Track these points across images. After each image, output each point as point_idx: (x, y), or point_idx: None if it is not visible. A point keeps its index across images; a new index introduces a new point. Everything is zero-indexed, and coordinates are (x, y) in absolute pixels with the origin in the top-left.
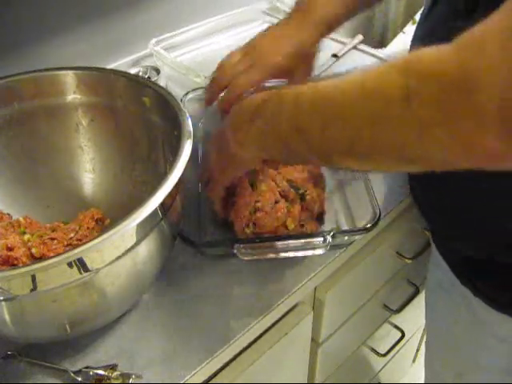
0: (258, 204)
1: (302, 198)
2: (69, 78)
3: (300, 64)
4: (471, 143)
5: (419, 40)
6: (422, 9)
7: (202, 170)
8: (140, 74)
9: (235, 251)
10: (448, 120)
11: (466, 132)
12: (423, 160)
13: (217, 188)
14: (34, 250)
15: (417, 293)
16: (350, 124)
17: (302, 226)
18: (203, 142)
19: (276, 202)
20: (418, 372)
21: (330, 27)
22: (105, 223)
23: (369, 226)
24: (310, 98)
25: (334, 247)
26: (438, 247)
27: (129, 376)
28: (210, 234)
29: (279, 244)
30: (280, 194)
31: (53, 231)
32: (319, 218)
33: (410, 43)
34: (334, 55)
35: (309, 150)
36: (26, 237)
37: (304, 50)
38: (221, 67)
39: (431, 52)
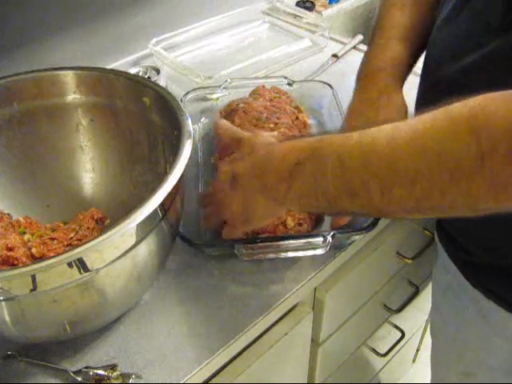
0: None
1: None
2: (69, 78)
3: None
4: None
5: (439, 50)
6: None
7: (206, 201)
8: (140, 73)
9: (235, 251)
10: None
11: None
12: (494, 210)
13: (235, 232)
14: (34, 250)
15: (417, 293)
16: (418, 187)
17: (301, 224)
18: (202, 141)
19: None
20: (418, 372)
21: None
22: (105, 223)
23: (369, 226)
24: (359, 158)
25: (334, 247)
26: (447, 250)
27: (129, 376)
28: (210, 234)
29: (279, 244)
30: None
31: (53, 231)
32: (318, 216)
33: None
34: (334, 55)
35: (363, 208)
36: (26, 237)
37: None
38: None
39: (497, 103)
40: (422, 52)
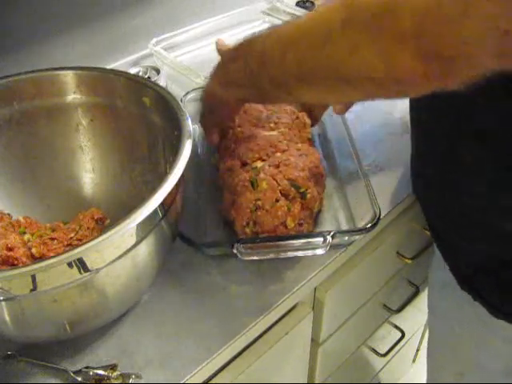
0: (259, 202)
1: (303, 196)
2: (69, 78)
3: None
4: (393, 62)
5: None
6: None
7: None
8: (140, 73)
9: (235, 251)
10: (374, 41)
11: (388, 51)
12: (358, 82)
13: (207, 122)
14: (34, 250)
15: (417, 293)
16: (298, 47)
17: (301, 224)
18: (202, 141)
19: (276, 201)
20: (418, 372)
21: None
22: (105, 223)
23: (369, 226)
24: (274, 35)
25: (334, 247)
26: (440, 248)
27: (129, 376)
28: (210, 234)
29: (279, 244)
30: (280, 193)
31: (53, 231)
32: (318, 217)
33: None
34: None
35: (271, 81)
36: (26, 237)
37: None
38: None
39: None
40: None
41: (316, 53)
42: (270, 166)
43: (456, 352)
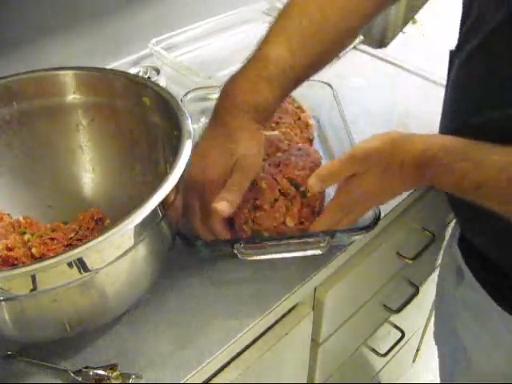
0: (257, 202)
1: (303, 195)
2: (69, 78)
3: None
4: None
5: (471, 95)
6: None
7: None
8: (140, 73)
9: (235, 251)
10: None
11: None
12: None
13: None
14: (34, 250)
15: (417, 293)
16: None
17: (302, 223)
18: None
19: (275, 200)
20: (418, 372)
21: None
22: (105, 223)
23: (369, 226)
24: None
25: (333, 247)
26: (472, 269)
27: (129, 376)
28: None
29: (279, 244)
30: (280, 192)
31: (53, 231)
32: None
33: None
34: None
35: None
36: (26, 237)
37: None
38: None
39: None
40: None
41: None
42: (270, 165)
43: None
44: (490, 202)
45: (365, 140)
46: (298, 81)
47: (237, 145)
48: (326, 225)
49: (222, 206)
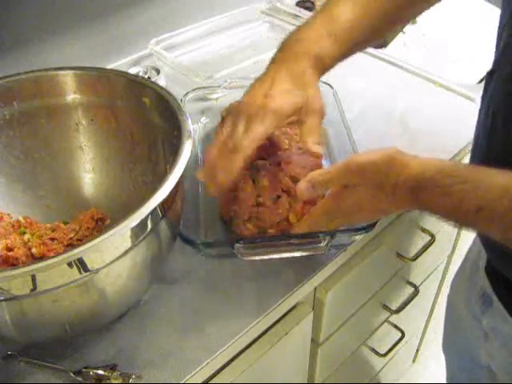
0: (260, 199)
1: None
2: (69, 78)
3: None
4: None
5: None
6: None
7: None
8: (140, 73)
9: (235, 251)
10: None
11: None
12: None
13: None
14: (34, 250)
15: (417, 293)
16: None
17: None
18: (202, 142)
19: (278, 197)
20: (418, 372)
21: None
22: (105, 223)
23: (369, 226)
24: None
25: (333, 247)
26: (504, 299)
27: (129, 376)
28: (210, 234)
29: (279, 244)
30: (282, 189)
31: (53, 231)
32: None
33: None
34: None
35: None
36: (26, 237)
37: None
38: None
39: None
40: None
41: None
42: (271, 164)
43: None
44: (491, 226)
45: (363, 152)
46: (355, 44)
47: (305, 88)
48: (308, 227)
49: (317, 148)
